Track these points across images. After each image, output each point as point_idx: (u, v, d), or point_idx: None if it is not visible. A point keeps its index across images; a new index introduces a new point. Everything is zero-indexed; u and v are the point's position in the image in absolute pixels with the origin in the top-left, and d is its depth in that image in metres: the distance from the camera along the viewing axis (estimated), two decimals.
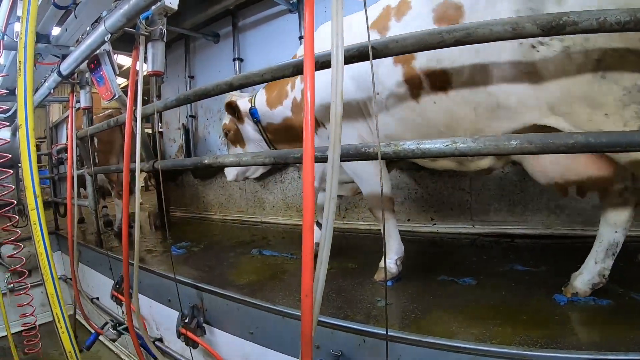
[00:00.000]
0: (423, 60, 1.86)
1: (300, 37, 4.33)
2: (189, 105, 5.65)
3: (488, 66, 1.70)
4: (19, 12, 3.35)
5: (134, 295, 2.54)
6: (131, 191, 2.59)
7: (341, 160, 1.25)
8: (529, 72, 1.63)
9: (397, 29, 1.97)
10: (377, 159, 1.43)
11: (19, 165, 5.51)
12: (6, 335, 4.15)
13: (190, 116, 5.90)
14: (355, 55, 1.47)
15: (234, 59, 5.08)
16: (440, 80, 1.84)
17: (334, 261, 2.78)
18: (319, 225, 2.23)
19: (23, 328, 4.90)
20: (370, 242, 3.52)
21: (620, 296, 1.91)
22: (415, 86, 1.93)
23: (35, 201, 1.87)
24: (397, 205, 3.69)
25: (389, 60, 1.95)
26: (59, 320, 1.99)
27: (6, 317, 4.19)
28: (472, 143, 1.36)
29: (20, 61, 1.85)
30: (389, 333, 1.58)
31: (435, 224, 3.54)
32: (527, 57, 1.61)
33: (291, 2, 4.39)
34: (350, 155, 1.54)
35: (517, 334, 1.66)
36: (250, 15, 4.94)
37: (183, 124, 5.99)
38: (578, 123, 1.62)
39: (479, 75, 1.74)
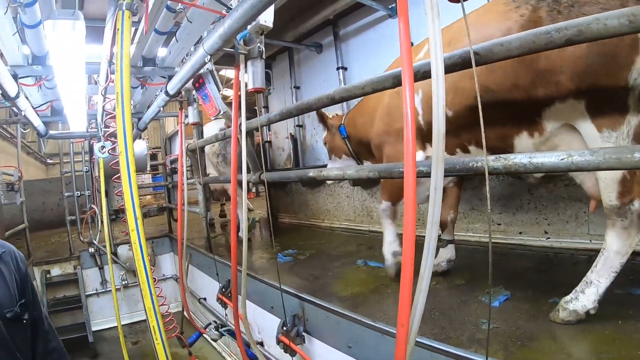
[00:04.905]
0: None
1: None
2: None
3: None
4: None
5: (241, 300, 2.67)
6: None
7: (445, 175, 1.17)
8: None
9: None
10: (484, 173, 1.31)
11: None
12: (116, 326, 4.57)
13: (298, 126, 6.01)
14: (458, 63, 1.37)
15: (338, 68, 5.07)
16: None
17: (439, 276, 2.69)
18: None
19: (132, 320, 5.62)
20: (480, 255, 3.24)
21: None
22: None
23: (136, 222, 2.00)
24: (507, 217, 3.43)
25: None
26: (155, 332, 2.07)
27: (118, 310, 4.64)
28: (591, 156, 1.18)
29: (117, 92, 1.99)
30: None
31: (549, 238, 3.18)
32: None
33: (390, 7, 4.26)
34: (457, 169, 1.44)
35: None
36: (350, 23, 4.91)
37: (291, 133, 6.12)
38: None
39: None
